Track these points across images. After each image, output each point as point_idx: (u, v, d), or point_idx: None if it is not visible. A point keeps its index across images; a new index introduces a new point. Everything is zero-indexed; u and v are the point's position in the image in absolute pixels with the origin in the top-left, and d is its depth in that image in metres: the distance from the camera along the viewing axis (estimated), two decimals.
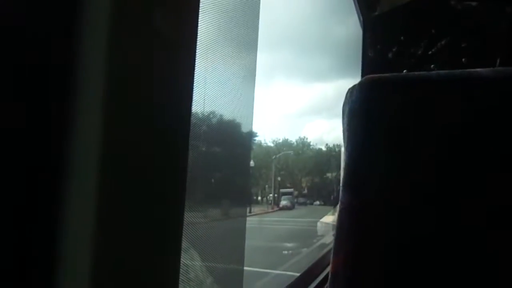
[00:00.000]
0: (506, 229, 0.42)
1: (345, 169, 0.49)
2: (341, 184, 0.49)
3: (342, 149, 0.59)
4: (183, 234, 0.45)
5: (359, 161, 0.48)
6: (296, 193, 20.73)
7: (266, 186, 19.38)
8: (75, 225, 0.30)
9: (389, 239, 0.45)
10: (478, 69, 0.47)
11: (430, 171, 0.45)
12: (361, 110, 0.48)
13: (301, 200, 19.70)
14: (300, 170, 23.48)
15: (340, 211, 0.47)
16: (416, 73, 0.50)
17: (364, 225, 0.46)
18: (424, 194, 0.45)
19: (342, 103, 0.52)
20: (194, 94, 0.42)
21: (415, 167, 0.46)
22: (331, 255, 0.48)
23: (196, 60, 0.40)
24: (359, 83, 0.50)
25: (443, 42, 1.62)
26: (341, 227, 0.47)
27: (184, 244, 0.60)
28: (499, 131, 0.43)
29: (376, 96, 0.48)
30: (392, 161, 0.47)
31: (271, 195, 18.93)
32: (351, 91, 0.50)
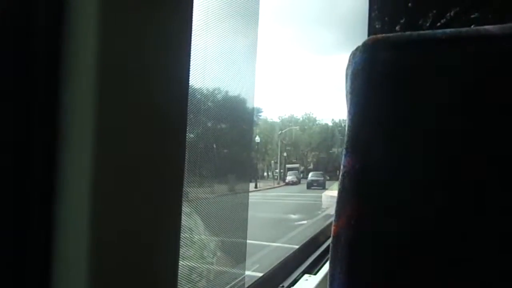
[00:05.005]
0: None
1: (347, 133, 0.47)
2: (344, 148, 0.48)
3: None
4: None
5: (362, 124, 0.46)
6: (302, 168, 20.82)
7: (272, 161, 19.45)
8: (71, 225, 0.30)
9: (390, 201, 0.44)
10: (486, 26, 0.44)
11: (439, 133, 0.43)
12: (364, 71, 0.46)
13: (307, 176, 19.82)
14: (306, 145, 23.45)
15: (343, 175, 0.46)
16: (421, 32, 0.46)
17: (366, 188, 0.45)
18: (428, 155, 0.43)
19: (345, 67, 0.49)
20: (194, 73, 0.42)
21: (421, 130, 0.44)
22: (333, 219, 0.47)
23: (194, 37, 0.39)
24: (363, 44, 0.47)
25: (452, 13, 1.57)
26: (343, 191, 0.46)
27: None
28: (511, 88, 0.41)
29: (380, 57, 0.46)
30: (396, 124, 0.45)
31: (277, 170, 19.05)
32: (354, 52, 0.48)
